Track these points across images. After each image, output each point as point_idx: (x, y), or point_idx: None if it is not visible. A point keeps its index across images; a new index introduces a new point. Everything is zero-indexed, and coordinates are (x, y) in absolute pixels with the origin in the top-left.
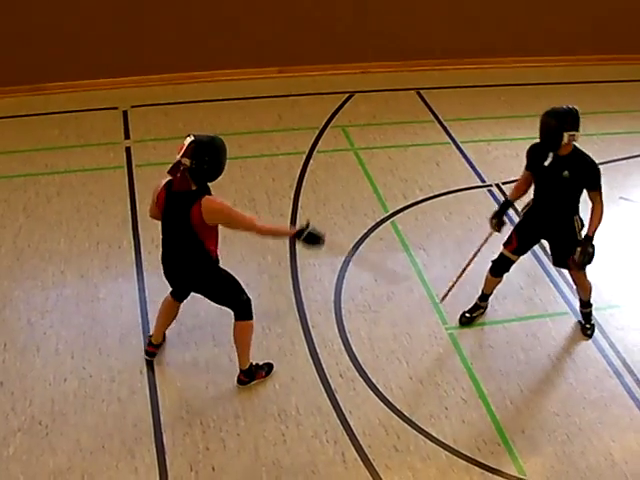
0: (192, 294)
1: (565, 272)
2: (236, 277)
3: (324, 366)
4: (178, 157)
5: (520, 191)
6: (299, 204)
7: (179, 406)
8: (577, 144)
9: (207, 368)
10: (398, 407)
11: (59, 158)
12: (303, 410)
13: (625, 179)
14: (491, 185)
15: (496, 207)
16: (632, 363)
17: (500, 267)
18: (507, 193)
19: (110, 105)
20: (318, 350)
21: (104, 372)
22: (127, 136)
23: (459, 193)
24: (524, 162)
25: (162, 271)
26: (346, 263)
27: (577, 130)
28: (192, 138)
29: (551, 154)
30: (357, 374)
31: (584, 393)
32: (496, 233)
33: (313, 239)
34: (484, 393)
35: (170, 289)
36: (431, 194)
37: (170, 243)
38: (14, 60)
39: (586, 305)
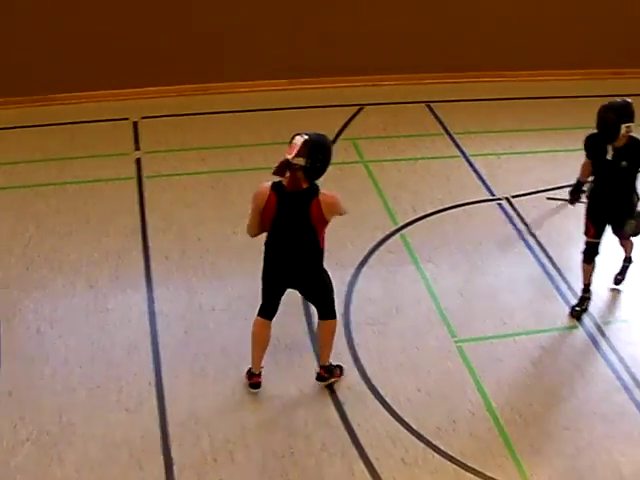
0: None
1: (574, 287)
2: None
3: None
4: (289, 157)
5: (586, 175)
6: None
7: (187, 417)
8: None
9: (216, 379)
10: (406, 420)
11: (69, 169)
12: (311, 423)
13: None
14: (501, 199)
15: (507, 220)
16: None
17: (590, 253)
18: (519, 208)
19: (120, 116)
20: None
21: (112, 383)
22: (137, 147)
23: (468, 206)
24: (533, 176)
25: (264, 277)
26: (355, 276)
27: (632, 121)
28: (305, 137)
29: (611, 147)
30: (365, 387)
31: (593, 408)
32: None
33: None
34: (492, 406)
35: (257, 313)
36: (440, 207)
37: (286, 244)
38: (25, 71)
39: (628, 260)
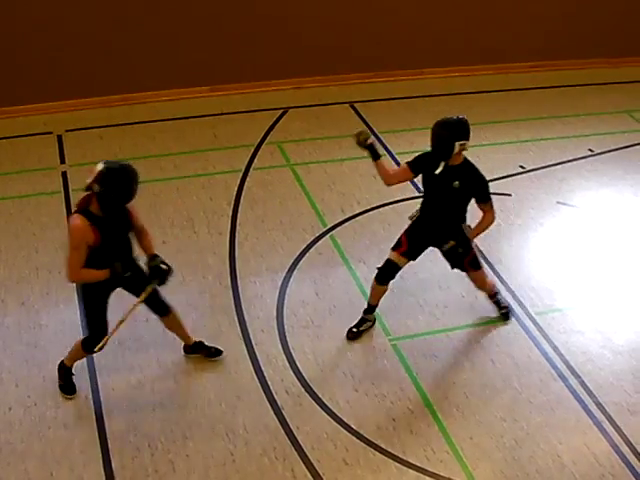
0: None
1: (506, 279)
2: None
3: (269, 383)
4: (88, 181)
5: (392, 181)
6: (237, 222)
7: (126, 430)
8: (468, 155)
9: (152, 390)
10: (345, 420)
11: None
12: (251, 428)
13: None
14: None
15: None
16: (576, 365)
17: (386, 273)
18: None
19: (44, 130)
20: (263, 367)
21: (49, 399)
22: (63, 161)
23: (396, 205)
24: None
25: None
26: (287, 279)
27: (467, 139)
28: (103, 165)
29: (442, 163)
30: (303, 389)
31: (530, 397)
32: None
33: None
34: (430, 402)
35: None
36: (369, 207)
37: None
38: None
39: (492, 296)
